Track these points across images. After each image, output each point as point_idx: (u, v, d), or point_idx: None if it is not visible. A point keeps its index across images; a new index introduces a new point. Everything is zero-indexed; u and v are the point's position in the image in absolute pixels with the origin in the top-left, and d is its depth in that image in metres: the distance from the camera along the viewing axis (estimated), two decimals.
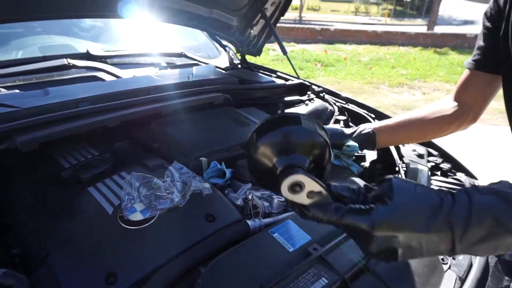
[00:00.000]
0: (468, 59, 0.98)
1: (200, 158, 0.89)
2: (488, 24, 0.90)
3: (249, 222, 0.72)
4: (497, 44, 0.86)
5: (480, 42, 0.93)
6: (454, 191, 0.44)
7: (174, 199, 0.72)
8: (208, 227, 0.71)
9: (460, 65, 7.08)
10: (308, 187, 0.47)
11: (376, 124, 1.10)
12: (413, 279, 0.67)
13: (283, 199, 0.82)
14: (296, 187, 0.47)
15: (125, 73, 1.31)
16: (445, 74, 6.64)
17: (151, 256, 0.63)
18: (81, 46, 1.50)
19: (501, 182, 0.44)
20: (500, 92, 0.92)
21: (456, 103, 1.01)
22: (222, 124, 1.10)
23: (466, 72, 0.99)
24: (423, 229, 0.42)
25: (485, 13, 0.91)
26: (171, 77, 1.29)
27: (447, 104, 1.03)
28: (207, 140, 0.99)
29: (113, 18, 1.33)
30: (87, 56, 1.37)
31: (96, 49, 1.42)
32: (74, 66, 1.26)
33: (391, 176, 0.46)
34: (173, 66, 1.54)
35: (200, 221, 0.72)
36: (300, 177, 0.47)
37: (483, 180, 1.24)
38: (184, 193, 0.74)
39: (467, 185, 1.10)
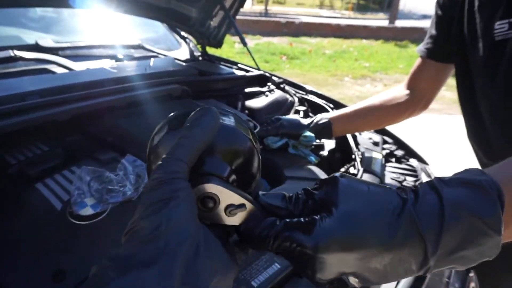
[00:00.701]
0: (420, 46, 1.02)
1: None
2: (440, 12, 0.93)
3: None
4: (449, 32, 0.90)
5: (432, 31, 0.97)
6: (416, 186, 0.35)
7: (127, 192, 0.71)
8: None
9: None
10: (225, 200, 0.34)
11: (332, 113, 1.12)
12: None
13: None
14: (208, 202, 0.34)
15: (78, 66, 1.25)
16: (405, 66, 6.90)
17: (102, 250, 0.62)
18: (29, 37, 1.42)
19: (469, 170, 0.35)
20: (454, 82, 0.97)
21: (408, 91, 1.06)
22: None
23: (418, 61, 1.03)
24: (385, 242, 0.31)
25: (438, 2, 0.94)
26: (127, 69, 1.26)
27: (400, 92, 1.08)
28: None
29: (64, 7, 1.28)
30: (36, 47, 1.30)
31: (46, 41, 1.35)
32: (22, 58, 1.19)
33: (337, 174, 0.36)
34: (130, 58, 1.50)
35: None
36: (211, 187, 0.33)
37: (436, 165, 1.31)
38: (137, 186, 0.73)
39: (419, 170, 1.16)
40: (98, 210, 0.67)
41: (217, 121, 0.35)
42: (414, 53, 8.00)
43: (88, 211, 0.67)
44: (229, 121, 0.39)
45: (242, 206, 0.35)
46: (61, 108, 0.92)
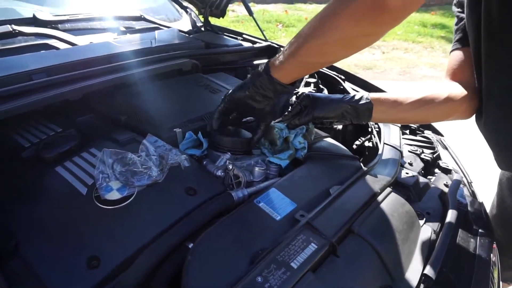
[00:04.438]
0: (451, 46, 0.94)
1: (174, 129, 0.84)
2: (458, 10, 0.91)
3: (233, 193, 0.70)
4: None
5: (455, 27, 0.93)
6: None
7: (152, 174, 0.68)
8: (190, 201, 0.68)
9: (416, 23, 7.22)
10: None
11: (373, 94, 0.97)
12: (395, 236, 0.69)
13: (264, 167, 0.80)
14: None
15: (80, 40, 1.19)
16: (403, 32, 6.76)
17: (134, 235, 0.60)
18: (25, 10, 1.35)
19: None
20: None
21: (458, 84, 0.90)
22: (192, 91, 1.05)
23: (454, 55, 0.92)
24: None
25: (454, 4, 0.93)
26: (132, 43, 1.20)
27: (451, 87, 0.90)
28: (179, 109, 0.94)
29: None
30: (34, 21, 1.23)
31: (44, 14, 1.27)
32: (21, 33, 1.12)
33: None
34: (132, 30, 1.43)
35: (181, 196, 0.69)
36: None
37: (448, 136, 1.30)
38: (162, 167, 0.71)
39: (435, 142, 1.14)
40: (125, 194, 0.65)
41: None
42: (411, 19, 7.82)
43: (114, 195, 0.65)
44: None
45: None
46: (71, 87, 0.88)
